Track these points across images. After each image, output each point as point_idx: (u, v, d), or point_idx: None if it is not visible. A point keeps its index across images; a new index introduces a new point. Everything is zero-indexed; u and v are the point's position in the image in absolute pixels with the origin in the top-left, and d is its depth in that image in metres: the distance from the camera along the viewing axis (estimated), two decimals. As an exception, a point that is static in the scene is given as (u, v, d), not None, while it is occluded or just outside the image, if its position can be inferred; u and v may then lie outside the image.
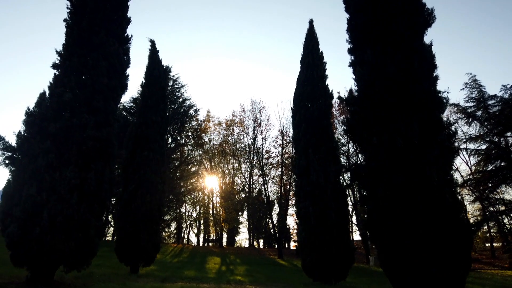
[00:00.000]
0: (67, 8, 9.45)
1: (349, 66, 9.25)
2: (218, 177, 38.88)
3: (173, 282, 11.36)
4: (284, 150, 33.86)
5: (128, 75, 9.83)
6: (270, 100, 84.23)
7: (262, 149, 34.43)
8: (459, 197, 10.29)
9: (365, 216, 10.51)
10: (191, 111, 36.76)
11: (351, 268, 12.61)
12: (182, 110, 36.22)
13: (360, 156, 31.05)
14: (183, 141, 36.94)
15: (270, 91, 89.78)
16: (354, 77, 8.86)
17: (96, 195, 8.18)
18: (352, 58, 9.12)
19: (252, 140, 35.64)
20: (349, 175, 28.68)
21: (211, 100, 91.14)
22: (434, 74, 7.63)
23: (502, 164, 24.11)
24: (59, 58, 9.10)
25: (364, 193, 8.06)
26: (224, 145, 38.08)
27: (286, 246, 45.61)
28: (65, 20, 9.41)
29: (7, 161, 10.16)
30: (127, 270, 13.15)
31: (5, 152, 10.59)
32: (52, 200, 7.48)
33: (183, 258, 23.76)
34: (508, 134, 25.09)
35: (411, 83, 7.44)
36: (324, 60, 15.31)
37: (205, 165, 38.68)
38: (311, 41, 15.66)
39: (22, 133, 8.24)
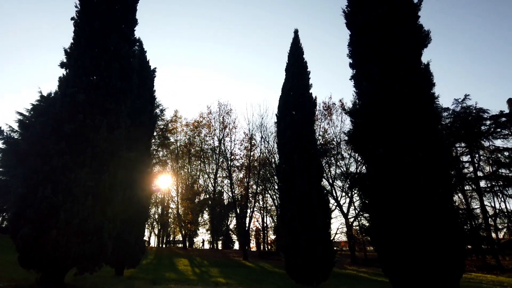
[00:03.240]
0: (76, 6, 9.27)
1: (350, 79, 10.05)
2: (182, 178, 38.49)
3: (165, 285, 11.43)
4: (250, 153, 34.43)
5: (135, 77, 9.85)
6: (239, 102, 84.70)
7: (231, 152, 34.78)
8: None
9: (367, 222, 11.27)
10: (157, 110, 36.10)
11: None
12: (147, 109, 35.36)
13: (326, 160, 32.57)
14: (148, 140, 36.06)
15: (240, 93, 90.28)
16: (356, 90, 9.62)
17: (109, 198, 8.17)
18: (354, 72, 9.91)
19: (218, 143, 35.89)
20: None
21: (180, 101, 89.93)
22: (432, 91, 8.53)
23: (452, 173, 26.47)
24: (66, 57, 8.92)
25: (366, 201, 8.77)
26: (189, 146, 37.86)
27: (246, 248, 46.02)
28: (72, 18, 9.23)
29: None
30: (111, 272, 12.94)
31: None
32: (68, 202, 7.39)
33: (150, 260, 23.39)
34: (457, 145, 27.58)
35: (414, 99, 8.28)
36: (308, 69, 16.08)
37: (169, 165, 38.11)
38: (296, 51, 16.39)
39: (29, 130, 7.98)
